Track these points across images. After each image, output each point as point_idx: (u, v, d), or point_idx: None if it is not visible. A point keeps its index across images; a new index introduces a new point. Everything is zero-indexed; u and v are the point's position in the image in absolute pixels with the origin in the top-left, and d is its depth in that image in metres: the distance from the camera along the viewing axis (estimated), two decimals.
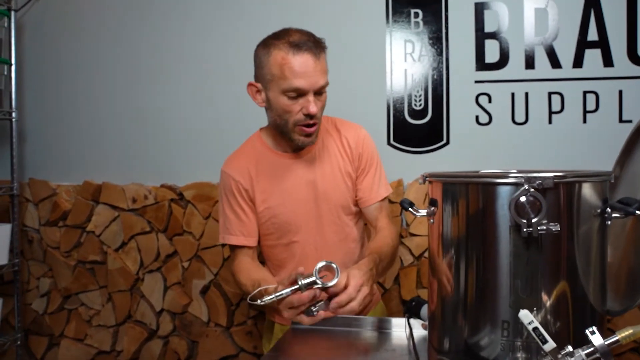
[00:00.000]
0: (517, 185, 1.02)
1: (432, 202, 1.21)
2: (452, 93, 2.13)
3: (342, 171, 1.59)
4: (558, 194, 1.04)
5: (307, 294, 1.26)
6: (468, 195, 1.11)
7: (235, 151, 1.64)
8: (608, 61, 2.03)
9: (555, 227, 1.00)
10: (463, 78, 2.13)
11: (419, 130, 2.16)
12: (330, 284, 1.28)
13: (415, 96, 2.15)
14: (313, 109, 1.42)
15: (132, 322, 2.41)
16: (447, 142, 2.14)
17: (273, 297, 1.25)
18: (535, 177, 1.01)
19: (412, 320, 1.48)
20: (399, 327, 1.49)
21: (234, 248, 1.60)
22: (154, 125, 2.41)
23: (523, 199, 1.01)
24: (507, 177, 1.05)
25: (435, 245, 1.20)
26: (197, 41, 2.34)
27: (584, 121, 2.05)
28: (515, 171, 1.11)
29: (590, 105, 2.05)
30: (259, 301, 1.26)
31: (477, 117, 2.12)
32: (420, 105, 2.15)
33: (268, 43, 1.45)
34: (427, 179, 1.22)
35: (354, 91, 2.17)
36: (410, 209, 1.26)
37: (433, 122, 2.15)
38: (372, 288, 1.41)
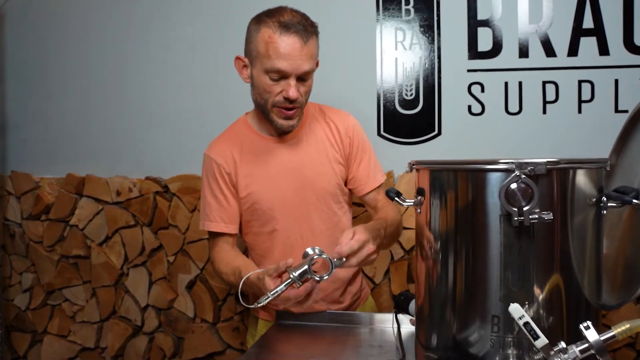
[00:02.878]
0: (507, 171, 0.97)
1: (419, 191, 1.15)
2: (444, 82, 2.08)
3: (329, 157, 1.53)
4: (551, 181, 0.99)
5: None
6: (456, 183, 1.05)
7: (219, 135, 1.59)
8: (604, 50, 1.97)
9: (547, 216, 0.94)
10: (455, 67, 2.07)
11: (410, 121, 2.10)
12: (326, 276, 1.22)
13: (406, 86, 2.10)
14: (293, 93, 1.38)
15: (117, 318, 2.35)
16: (439, 133, 2.08)
17: (269, 297, 1.20)
18: (526, 163, 0.96)
19: (400, 316, 1.43)
20: (386, 323, 1.44)
21: (213, 235, 1.54)
22: (138, 117, 2.34)
23: (514, 186, 0.95)
24: (497, 163, 0.99)
25: (422, 236, 1.14)
26: (183, 33, 2.28)
27: (579, 111, 2.00)
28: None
29: (586, 95, 1.99)
30: (255, 304, 1.20)
31: (469, 107, 2.07)
32: (411, 95, 2.09)
33: (260, 19, 1.41)
34: (414, 166, 1.17)
35: (343, 80, 2.11)
36: (397, 198, 1.20)
37: (424, 112, 2.09)
38: (376, 249, 1.32)
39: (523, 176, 0.95)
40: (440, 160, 1.12)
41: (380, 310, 2.03)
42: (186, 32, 2.28)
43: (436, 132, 2.08)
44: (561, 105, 2.01)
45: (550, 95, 2.01)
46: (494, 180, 0.99)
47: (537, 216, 0.94)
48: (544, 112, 2.02)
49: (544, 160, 0.96)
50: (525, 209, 0.94)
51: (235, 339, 2.24)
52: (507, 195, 0.95)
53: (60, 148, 2.42)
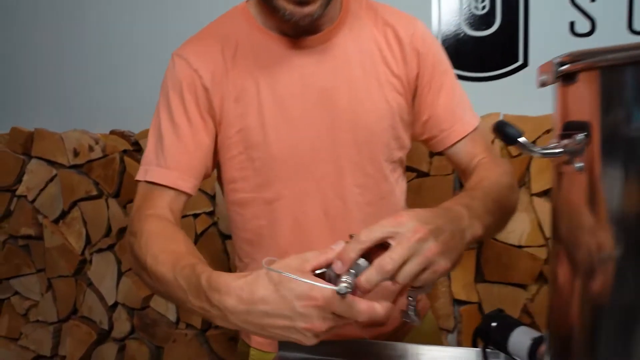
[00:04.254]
0: None
1: (577, 126, 0.52)
2: None
3: (380, 80, 0.89)
4: None
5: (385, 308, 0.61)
6: None
7: (202, 29, 0.94)
8: None
9: None
10: None
11: (482, 46, 1.44)
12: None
13: None
14: None
15: (78, 319, 1.78)
16: (525, 64, 1.43)
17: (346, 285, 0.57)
18: None
19: (490, 352, 0.82)
20: None
21: (151, 188, 0.87)
22: (100, 53, 1.74)
23: None
24: None
25: (585, 220, 0.51)
26: None
27: None
28: None
29: None
30: (341, 287, 0.57)
31: (571, 25, 1.40)
32: (483, 7, 1.43)
33: None
34: (565, 68, 0.52)
35: None
36: (521, 141, 0.56)
37: (503, 33, 1.43)
38: (455, 254, 0.66)
39: None
40: (632, 44, 0.47)
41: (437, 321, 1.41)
42: None
43: (521, 61, 1.42)
44: None
45: None
46: None
47: None
48: None
49: None
50: None
51: (230, 351, 1.65)
52: None
53: (3, 96, 1.84)
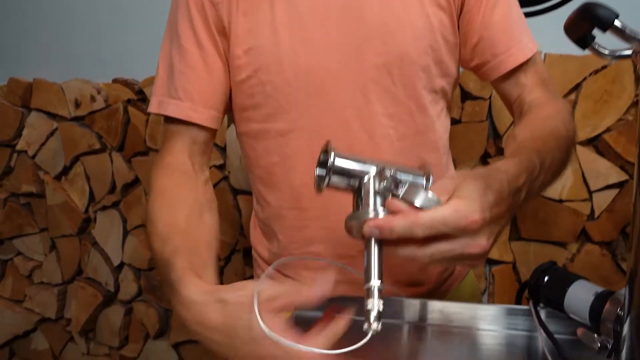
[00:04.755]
0: None
1: None
2: None
3: None
4: None
5: None
6: None
7: None
8: None
9: None
10: None
11: None
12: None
13: None
14: None
15: (83, 280, 1.69)
16: None
17: None
18: None
19: (542, 313, 0.71)
20: (508, 323, 0.73)
21: (170, 127, 0.79)
22: None
23: None
24: None
25: None
26: None
27: None
28: None
29: None
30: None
31: None
32: None
33: None
34: None
35: None
36: (617, 24, 0.43)
37: None
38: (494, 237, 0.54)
39: None
40: None
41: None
42: None
43: None
44: None
45: None
46: None
47: None
48: None
49: None
50: None
51: None
52: None
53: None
